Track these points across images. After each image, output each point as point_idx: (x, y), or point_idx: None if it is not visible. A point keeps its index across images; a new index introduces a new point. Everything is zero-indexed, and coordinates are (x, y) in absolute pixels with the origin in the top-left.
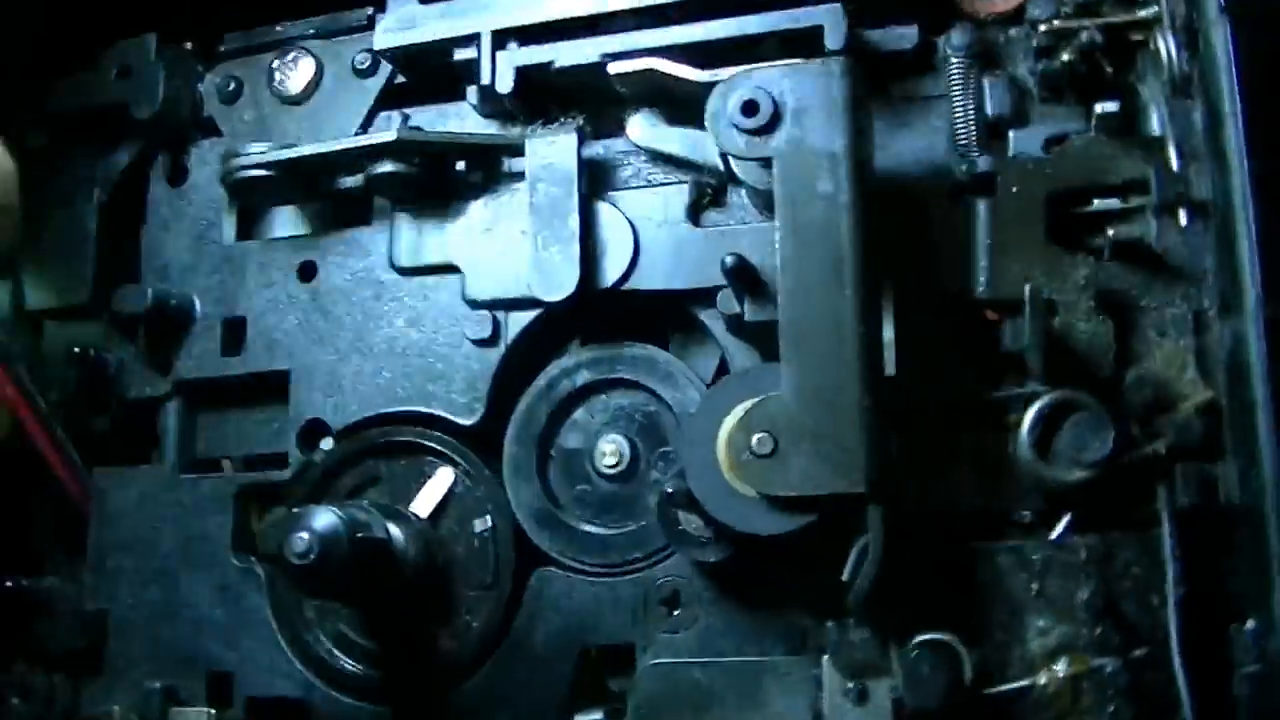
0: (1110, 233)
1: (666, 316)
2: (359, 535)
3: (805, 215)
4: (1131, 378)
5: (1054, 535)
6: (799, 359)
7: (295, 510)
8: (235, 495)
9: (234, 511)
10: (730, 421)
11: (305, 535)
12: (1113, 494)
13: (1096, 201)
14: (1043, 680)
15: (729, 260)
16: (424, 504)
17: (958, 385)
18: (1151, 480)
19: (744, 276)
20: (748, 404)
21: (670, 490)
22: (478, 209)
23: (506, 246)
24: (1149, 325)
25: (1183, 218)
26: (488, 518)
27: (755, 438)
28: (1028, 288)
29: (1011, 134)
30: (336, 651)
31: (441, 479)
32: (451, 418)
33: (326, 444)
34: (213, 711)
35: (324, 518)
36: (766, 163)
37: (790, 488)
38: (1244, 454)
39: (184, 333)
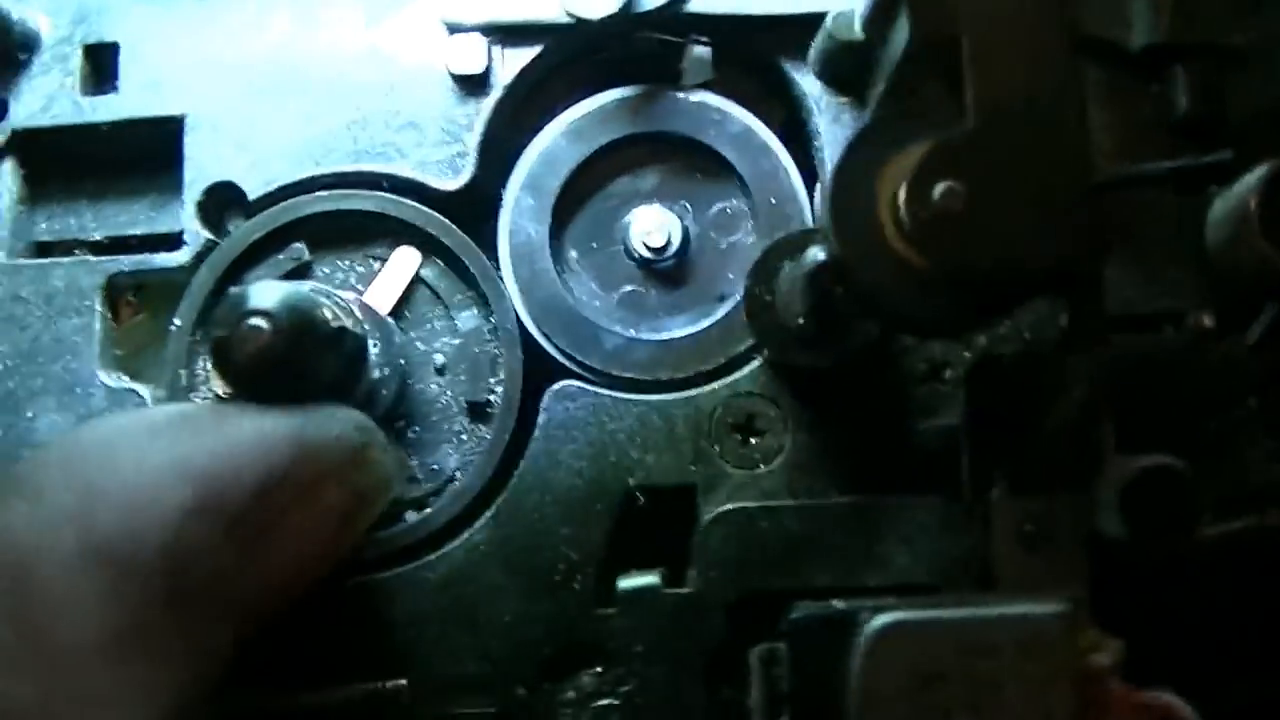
0: None
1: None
2: (336, 327)
3: None
4: None
5: (1252, 340)
6: (996, 86)
7: (236, 290)
8: (104, 287)
9: (103, 311)
10: (894, 170)
11: (262, 320)
12: None
13: None
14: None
15: None
16: (381, 297)
17: (1124, 149)
18: None
19: None
20: (920, 147)
21: (820, 262)
22: None
23: None
24: None
25: None
26: (473, 312)
27: (940, 188)
28: None
29: None
30: None
31: (404, 263)
32: (425, 180)
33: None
34: None
35: (289, 295)
36: None
37: (989, 255)
38: None
39: (22, 65)
